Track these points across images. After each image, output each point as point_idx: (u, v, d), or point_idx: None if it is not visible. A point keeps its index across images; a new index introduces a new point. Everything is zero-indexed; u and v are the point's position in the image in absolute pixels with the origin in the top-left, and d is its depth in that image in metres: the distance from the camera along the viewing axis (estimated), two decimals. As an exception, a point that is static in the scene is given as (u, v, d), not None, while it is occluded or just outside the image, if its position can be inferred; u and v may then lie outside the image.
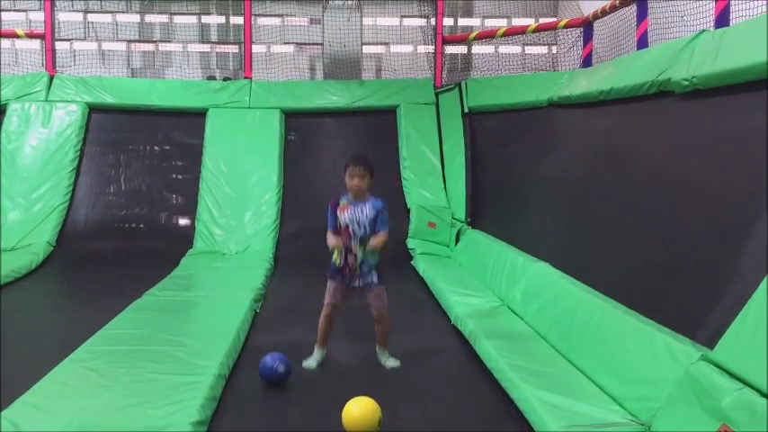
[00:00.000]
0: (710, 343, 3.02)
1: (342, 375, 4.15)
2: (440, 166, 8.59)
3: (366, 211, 4.19)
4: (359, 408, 3.28)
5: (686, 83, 4.30)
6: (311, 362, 4.29)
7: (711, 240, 3.63)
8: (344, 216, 4.19)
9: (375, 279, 4.25)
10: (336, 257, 4.17)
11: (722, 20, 4.81)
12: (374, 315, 4.31)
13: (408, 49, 10.20)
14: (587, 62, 7.53)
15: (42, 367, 3.77)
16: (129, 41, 10.13)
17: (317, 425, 3.50)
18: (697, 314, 3.39)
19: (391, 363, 4.30)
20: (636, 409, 3.18)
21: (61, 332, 4.87)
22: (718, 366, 2.77)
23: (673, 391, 2.93)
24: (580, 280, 4.53)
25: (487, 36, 9.31)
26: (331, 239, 4.20)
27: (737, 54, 3.89)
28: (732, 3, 4.78)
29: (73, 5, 9.92)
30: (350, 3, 9.85)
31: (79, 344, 4.20)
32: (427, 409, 3.68)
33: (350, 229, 4.19)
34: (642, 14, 6.30)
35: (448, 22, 10.03)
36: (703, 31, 4.58)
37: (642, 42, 6.24)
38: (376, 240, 4.15)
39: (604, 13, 7.13)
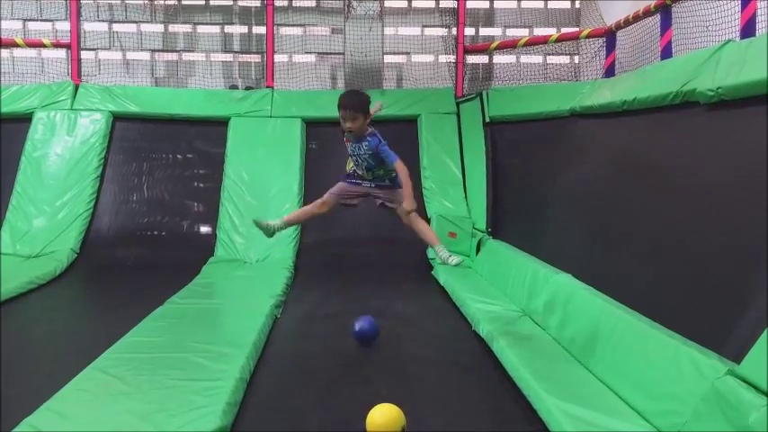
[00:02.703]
0: (737, 357, 2.97)
1: (365, 381, 4.14)
2: (461, 176, 8.57)
3: (363, 148, 4.33)
4: (383, 414, 3.28)
5: (711, 93, 4.26)
6: (268, 223, 4.48)
7: (738, 253, 3.58)
8: (348, 147, 4.41)
9: (388, 182, 4.40)
10: (349, 163, 4.47)
11: (748, 30, 4.77)
12: (403, 216, 4.41)
13: (430, 58, 10.21)
14: (610, 72, 7.50)
15: (65, 374, 3.79)
16: (153, 51, 10.24)
17: (338, 431, 3.49)
18: (724, 328, 3.34)
19: (453, 260, 4.28)
20: (661, 423, 3.14)
21: (84, 339, 4.91)
22: (745, 381, 2.72)
23: (698, 405, 2.89)
24: (603, 292, 4.49)
25: (509, 46, 9.30)
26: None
27: (764, 65, 3.84)
28: (759, 13, 4.74)
29: (98, 15, 10.05)
30: (371, 13, 9.89)
31: (102, 351, 4.23)
32: (448, 417, 3.66)
33: (353, 158, 4.43)
34: (666, 24, 6.26)
35: (469, 31, 10.03)
36: (729, 41, 4.54)
37: (666, 52, 6.20)
38: (406, 203, 4.22)
39: (627, 22, 7.10)
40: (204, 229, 8.42)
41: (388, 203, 4.53)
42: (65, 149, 8.49)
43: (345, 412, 3.65)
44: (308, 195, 8.39)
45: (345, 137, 4.47)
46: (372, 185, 4.43)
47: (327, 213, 4.58)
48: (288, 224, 4.61)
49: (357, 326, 4.61)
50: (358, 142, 4.37)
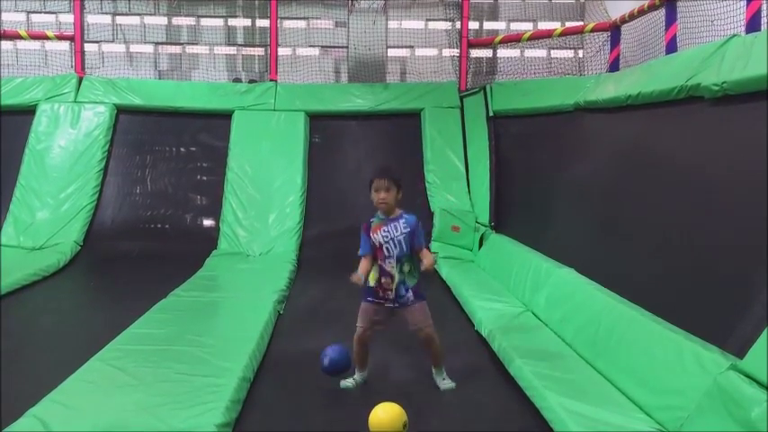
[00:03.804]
0: (740, 352, 2.98)
1: (367, 380, 4.14)
2: (464, 170, 8.56)
3: (400, 227, 3.97)
4: (385, 412, 3.30)
5: (716, 88, 4.24)
6: (349, 382, 4.07)
7: (741, 248, 3.58)
8: (378, 236, 3.97)
9: (411, 297, 3.99)
10: (372, 277, 3.99)
11: (753, 24, 4.75)
12: (419, 336, 4.03)
13: (433, 52, 10.19)
14: (614, 66, 7.47)
15: (70, 366, 3.82)
16: (157, 44, 10.24)
17: (341, 428, 3.51)
18: (726, 323, 3.34)
19: (446, 384, 4.03)
20: (663, 418, 3.14)
21: (88, 331, 4.94)
22: (747, 376, 2.73)
23: (701, 400, 2.89)
24: (606, 287, 4.49)
25: (513, 40, 9.26)
26: (356, 274, 3.98)
27: (769, 59, 3.83)
28: (764, 7, 4.72)
29: (102, 8, 10.04)
30: (375, 6, 9.87)
31: (106, 343, 4.25)
32: (450, 415, 3.67)
33: (383, 249, 3.97)
34: (671, 19, 6.23)
35: (473, 25, 10.00)
36: (734, 35, 4.52)
37: (671, 47, 6.18)
38: (427, 261, 3.91)
39: (632, 17, 7.07)
40: (207, 222, 8.43)
41: (411, 327, 4.05)
42: (68, 142, 8.50)
43: (348, 409, 3.66)
44: (311, 189, 8.40)
45: (374, 225, 4.02)
46: (396, 304, 3.99)
47: (370, 336, 4.05)
48: (360, 369, 4.13)
49: (326, 360, 4.04)
50: (392, 222, 3.98)
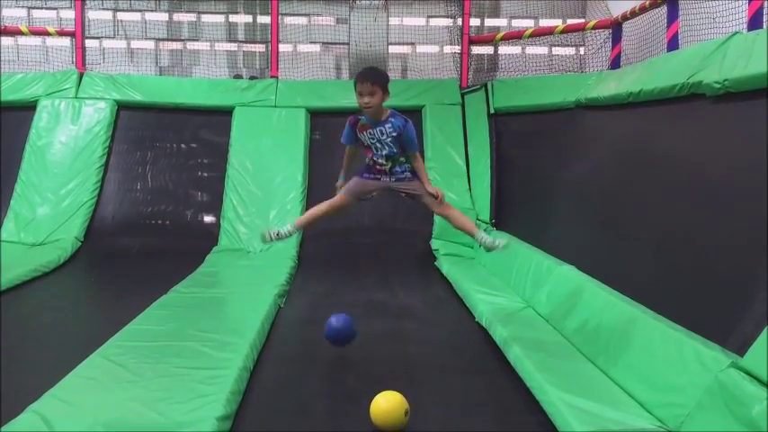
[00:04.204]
0: (741, 350, 2.98)
1: (368, 370, 4.15)
2: (465, 167, 8.55)
3: (386, 131, 3.91)
4: (386, 401, 3.33)
5: (718, 85, 4.24)
6: (271, 233, 4.08)
7: (742, 246, 3.57)
8: (365, 137, 3.96)
9: (409, 174, 3.99)
10: (367, 159, 4.03)
11: (755, 22, 4.74)
12: (432, 210, 4.05)
13: (435, 49, 10.18)
14: (615, 64, 7.46)
15: (70, 361, 3.82)
16: (158, 40, 10.23)
17: (342, 419, 3.52)
18: (727, 320, 3.34)
19: (499, 242, 3.91)
20: (663, 415, 3.15)
21: (88, 327, 4.94)
22: (748, 374, 2.73)
23: (701, 398, 2.90)
24: (607, 284, 4.49)
25: (514, 37, 9.25)
26: (340, 180, 4.13)
27: (771, 57, 3.83)
28: (766, 5, 4.71)
29: (103, 4, 10.03)
30: (376, 3, 9.86)
31: (106, 339, 4.25)
32: (451, 408, 3.67)
33: (371, 148, 3.97)
34: (673, 16, 6.22)
35: (474, 22, 9.99)
36: (736, 33, 4.51)
37: (672, 44, 6.17)
38: (429, 186, 3.94)
39: (634, 14, 7.06)
40: (208, 218, 8.43)
41: (414, 193, 4.07)
42: (69, 138, 8.50)
43: (349, 401, 3.67)
44: (312, 186, 8.40)
45: (360, 123, 4.01)
46: (393, 179, 3.98)
47: (343, 212, 4.13)
48: (300, 227, 4.19)
49: (334, 321, 4.11)
50: (378, 126, 3.94)
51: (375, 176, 4.03)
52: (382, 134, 3.92)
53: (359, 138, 4.02)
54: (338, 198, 4.07)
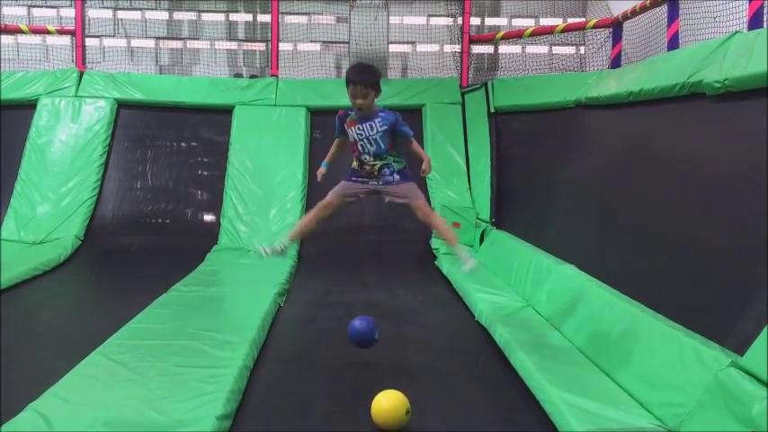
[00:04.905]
0: (740, 349, 2.98)
1: (368, 369, 4.15)
2: (465, 166, 8.56)
3: (376, 126, 3.87)
4: (387, 400, 3.33)
5: (718, 85, 4.24)
6: (267, 249, 4.03)
7: (742, 245, 3.58)
8: (353, 132, 3.90)
9: (396, 177, 3.93)
10: (354, 163, 3.97)
11: (756, 21, 4.74)
12: (415, 214, 3.98)
13: (435, 48, 10.17)
14: (616, 63, 7.46)
15: (70, 360, 3.82)
16: (158, 38, 10.22)
17: (341, 418, 3.52)
18: (727, 320, 3.34)
19: (468, 265, 3.88)
20: (663, 414, 3.15)
21: (89, 325, 4.93)
22: (747, 373, 2.73)
23: (701, 397, 2.90)
24: (607, 283, 4.50)
25: (515, 36, 9.26)
26: (321, 167, 4.10)
27: (772, 56, 3.82)
28: (766, 4, 4.71)
29: (103, 3, 10.03)
30: (377, 1, 9.85)
31: (106, 337, 4.25)
32: (450, 407, 3.67)
33: (358, 146, 3.90)
34: (673, 15, 6.22)
35: (475, 21, 9.99)
36: (736, 32, 4.51)
37: (673, 43, 6.17)
38: (426, 163, 3.89)
39: (634, 13, 7.06)
40: (208, 217, 8.43)
41: (398, 200, 4.06)
42: (69, 136, 8.50)
43: (349, 400, 3.67)
44: (312, 184, 8.40)
45: (349, 119, 4.00)
46: (380, 183, 3.95)
47: (333, 215, 4.10)
48: (293, 239, 4.17)
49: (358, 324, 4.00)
50: (367, 121, 3.91)
51: (362, 179, 4.00)
52: (372, 129, 3.89)
53: (347, 132, 4.01)
54: (323, 202, 4.04)
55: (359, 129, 3.91)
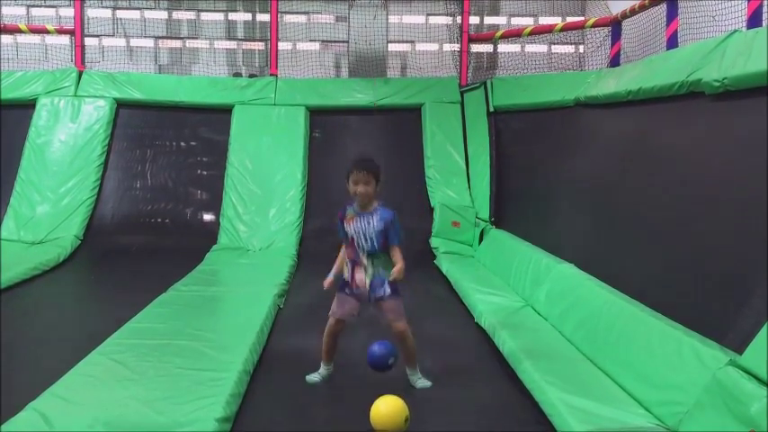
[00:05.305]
0: (739, 348, 2.99)
1: (367, 371, 4.14)
2: (464, 166, 8.56)
3: (373, 222, 3.87)
4: (387, 405, 3.31)
5: (717, 84, 4.24)
6: (315, 377, 4.01)
7: (741, 244, 3.58)
8: (351, 228, 3.89)
9: (387, 291, 3.90)
10: (345, 270, 3.95)
11: (755, 20, 4.74)
12: (394, 332, 3.93)
13: (434, 47, 10.17)
14: (615, 62, 7.46)
15: (70, 359, 3.82)
16: (157, 38, 10.22)
17: (341, 423, 3.51)
18: (726, 318, 3.35)
19: (421, 384, 3.95)
20: (662, 413, 3.15)
21: (88, 325, 4.94)
22: (746, 372, 2.73)
23: (700, 395, 2.90)
24: (606, 282, 4.50)
25: (514, 35, 9.25)
26: (328, 278, 4.01)
27: (770, 55, 3.83)
28: (765, 3, 4.71)
29: (102, 2, 10.02)
30: (376, 1, 9.85)
31: (106, 337, 4.26)
32: (450, 409, 3.67)
33: (355, 242, 3.89)
34: (672, 14, 6.22)
35: (474, 20, 9.99)
36: (735, 31, 4.51)
37: (672, 42, 6.17)
38: (397, 269, 3.82)
39: (633, 12, 7.06)
40: (208, 216, 8.43)
41: (385, 314, 3.95)
42: (68, 136, 8.50)
43: (348, 403, 3.66)
44: (311, 184, 8.40)
45: (347, 216, 3.94)
46: (371, 298, 3.91)
47: (343, 331, 3.99)
48: (327, 361, 4.02)
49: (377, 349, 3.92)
50: (365, 216, 3.88)
51: (353, 293, 3.97)
52: (368, 225, 3.88)
53: (346, 231, 3.97)
54: (329, 329, 4.01)
55: (357, 224, 3.90)
